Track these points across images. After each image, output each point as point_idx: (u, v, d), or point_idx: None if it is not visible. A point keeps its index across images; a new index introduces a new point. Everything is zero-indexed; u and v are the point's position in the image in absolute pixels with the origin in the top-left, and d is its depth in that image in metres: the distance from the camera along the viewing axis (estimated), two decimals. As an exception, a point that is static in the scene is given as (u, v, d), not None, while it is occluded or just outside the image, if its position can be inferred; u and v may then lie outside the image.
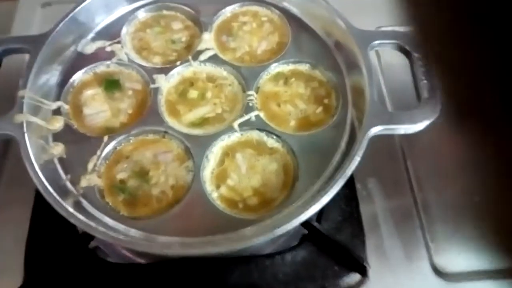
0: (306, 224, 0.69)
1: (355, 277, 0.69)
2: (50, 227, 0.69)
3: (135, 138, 0.70)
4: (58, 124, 0.70)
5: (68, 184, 0.65)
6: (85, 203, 0.64)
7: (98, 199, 0.64)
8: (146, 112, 0.71)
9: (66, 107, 0.73)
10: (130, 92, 0.75)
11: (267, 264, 0.69)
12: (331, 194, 0.59)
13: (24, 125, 0.65)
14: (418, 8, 0.92)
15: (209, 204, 0.63)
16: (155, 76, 0.75)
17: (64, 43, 0.76)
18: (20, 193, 0.74)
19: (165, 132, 0.70)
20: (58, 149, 0.68)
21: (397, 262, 0.73)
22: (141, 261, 0.70)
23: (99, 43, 0.78)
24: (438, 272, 0.72)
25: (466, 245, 0.75)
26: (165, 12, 0.85)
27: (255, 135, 0.70)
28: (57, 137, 0.69)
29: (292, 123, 0.72)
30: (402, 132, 0.66)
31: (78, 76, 0.76)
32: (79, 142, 0.69)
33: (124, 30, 0.81)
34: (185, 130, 0.70)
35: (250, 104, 0.72)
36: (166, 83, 0.75)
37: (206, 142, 0.68)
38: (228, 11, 0.84)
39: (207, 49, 0.78)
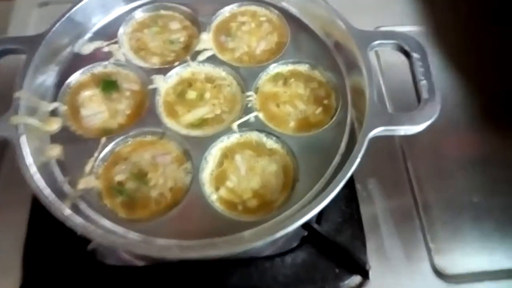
0: (306, 225, 0.68)
1: (355, 279, 0.69)
2: (48, 229, 0.68)
3: (133, 140, 0.69)
4: (55, 125, 0.69)
5: (66, 186, 0.64)
6: (83, 205, 0.63)
7: (96, 201, 0.64)
8: (144, 113, 0.71)
9: (63, 108, 0.72)
10: (127, 93, 0.74)
11: (267, 266, 0.69)
12: (332, 195, 0.58)
13: (21, 126, 0.65)
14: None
15: (208, 206, 0.63)
16: (153, 76, 0.74)
17: (60, 43, 0.75)
18: (18, 195, 0.74)
19: (163, 133, 0.69)
20: (55, 151, 0.67)
21: (398, 263, 0.73)
22: (140, 263, 0.70)
23: (96, 44, 0.78)
24: (438, 273, 0.72)
25: (466, 246, 0.75)
26: (162, 12, 0.84)
27: (254, 136, 0.69)
28: (55, 138, 0.68)
29: (292, 124, 0.71)
30: (402, 133, 0.66)
31: (75, 77, 0.75)
32: (76, 143, 0.68)
33: (121, 30, 0.80)
34: (184, 131, 0.70)
35: (249, 105, 0.71)
36: (164, 84, 0.74)
37: (204, 143, 0.68)
38: (226, 11, 0.84)
39: (205, 49, 0.77)
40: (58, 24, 0.74)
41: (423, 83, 0.68)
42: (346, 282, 0.69)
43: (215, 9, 0.83)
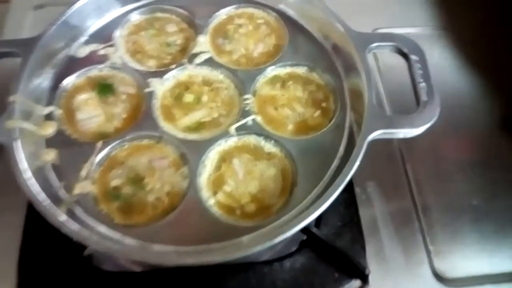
0: (304, 229, 0.68)
1: (355, 283, 0.68)
2: (43, 234, 0.67)
3: (130, 144, 0.68)
4: (50, 129, 0.68)
5: (61, 191, 0.64)
6: (78, 210, 0.62)
7: (92, 206, 0.63)
8: (141, 116, 0.70)
9: (58, 112, 0.71)
10: (124, 97, 0.73)
11: (265, 271, 0.68)
12: (331, 200, 0.57)
13: (15, 131, 0.64)
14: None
15: (206, 211, 0.62)
16: (149, 80, 0.73)
17: (56, 46, 0.75)
18: (13, 199, 0.72)
19: (160, 137, 0.68)
20: (50, 155, 0.66)
21: (397, 267, 0.72)
22: (137, 269, 0.69)
23: (92, 47, 0.77)
24: (438, 277, 0.72)
25: (466, 249, 0.75)
26: (159, 14, 0.83)
27: (252, 139, 0.69)
28: (50, 142, 0.68)
29: (290, 127, 0.71)
30: (402, 136, 0.65)
31: (70, 80, 0.74)
32: (72, 147, 0.67)
33: (117, 33, 0.79)
34: (181, 135, 0.69)
35: (247, 108, 0.70)
36: (161, 87, 0.73)
37: (202, 147, 0.67)
38: (223, 13, 0.83)
39: (202, 52, 0.76)
40: (53, 27, 0.73)
41: (422, 85, 0.68)
42: (346, 286, 0.68)
43: (212, 11, 0.82)
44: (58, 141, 0.68)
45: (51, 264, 0.68)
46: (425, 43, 0.73)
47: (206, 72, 0.76)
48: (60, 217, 0.57)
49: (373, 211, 0.77)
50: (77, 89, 0.74)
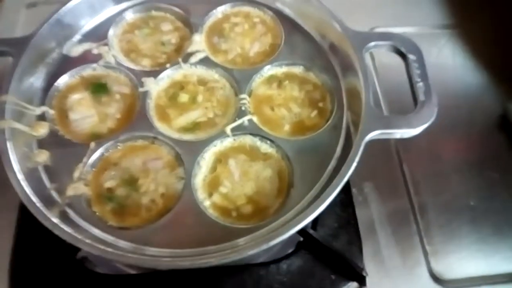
0: (301, 231, 0.67)
1: (352, 286, 0.68)
2: (36, 236, 0.66)
3: (124, 145, 0.67)
4: (42, 130, 0.68)
5: (54, 193, 0.63)
6: (71, 213, 0.61)
7: (85, 208, 0.62)
8: (135, 117, 0.69)
9: (51, 112, 0.70)
10: (118, 96, 0.72)
11: (262, 273, 0.67)
12: (328, 201, 0.57)
13: (7, 131, 0.63)
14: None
15: (201, 213, 0.61)
16: (143, 79, 0.72)
17: (48, 45, 0.74)
18: (6, 201, 0.72)
19: (155, 137, 0.67)
20: (42, 157, 0.65)
21: (395, 268, 0.72)
22: (131, 271, 0.68)
23: (85, 45, 0.76)
24: (435, 278, 0.72)
25: (463, 249, 0.75)
26: (154, 13, 0.82)
27: (248, 140, 0.68)
28: (42, 143, 0.67)
29: (287, 127, 0.70)
30: (399, 136, 0.64)
31: (63, 80, 0.73)
32: (65, 148, 0.66)
33: (111, 32, 0.78)
34: (176, 135, 0.68)
35: (243, 108, 0.70)
36: (155, 87, 0.73)
37: (197, 148, 0.66)
38: (219, 11, 0.82)
39: (197, 51, 0.76)
40: (45, 25, 0.72)
41: (420, 85, 0.67)
42: (343, 289, 0.67)
43: (207, 10, 0.81)
44: (51, 142, 0.67)
45: (43, 267, 0.67)
46: (423, 42, 0.72)
47: (202, 71, 0.75)
48: (53, 219, 0.57)
49: (370, 212, 0.77)
50: (70, 89, 0.73)
